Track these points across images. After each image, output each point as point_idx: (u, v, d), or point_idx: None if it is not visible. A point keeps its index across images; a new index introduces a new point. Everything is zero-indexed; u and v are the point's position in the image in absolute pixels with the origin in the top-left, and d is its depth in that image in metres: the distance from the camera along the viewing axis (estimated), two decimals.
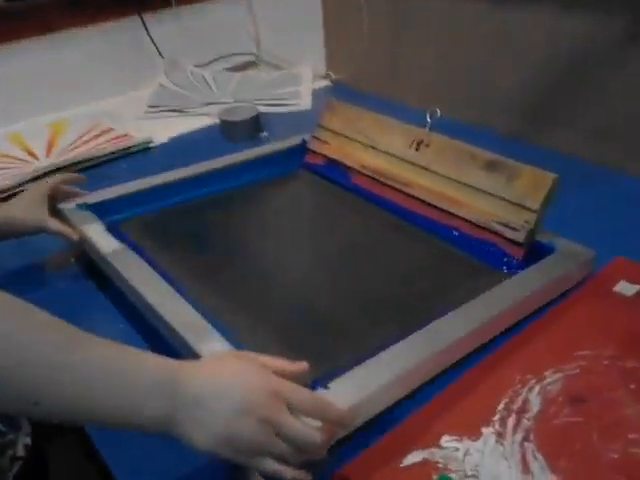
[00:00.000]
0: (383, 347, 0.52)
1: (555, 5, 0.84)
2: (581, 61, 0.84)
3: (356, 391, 0.48)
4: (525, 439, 0.49)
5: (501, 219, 0.66)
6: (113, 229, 0.72)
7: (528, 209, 0.64)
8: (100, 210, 0.76)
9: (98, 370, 0.37)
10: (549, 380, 0.54)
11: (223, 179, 0.86)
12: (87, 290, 0.71)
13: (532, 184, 0.65)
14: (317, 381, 0.51)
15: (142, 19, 1.27)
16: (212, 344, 0.52)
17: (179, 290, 0.60)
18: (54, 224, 0.70)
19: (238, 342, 0.53)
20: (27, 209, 0.69)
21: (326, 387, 0.48)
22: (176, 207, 0.82)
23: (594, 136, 0.86)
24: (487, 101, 0.99)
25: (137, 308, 0.62)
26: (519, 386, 0.53)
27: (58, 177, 0.77)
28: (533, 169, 0.66)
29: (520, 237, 0.65)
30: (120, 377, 0.38)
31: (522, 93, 0.94)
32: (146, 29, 1.29)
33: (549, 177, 0.64)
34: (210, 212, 0.82)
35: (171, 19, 1.33)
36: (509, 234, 0.66)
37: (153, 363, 0.39)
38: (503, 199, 0.67)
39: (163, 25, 1.33)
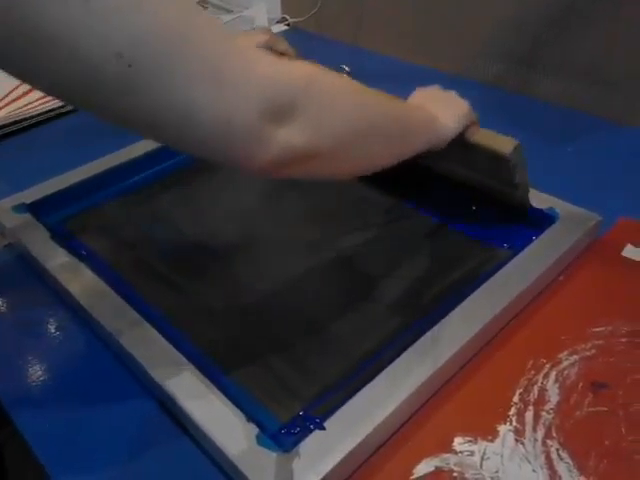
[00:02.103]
0: (380, 357, 0.47)
1: None
2: (564, 3, 0.76)
3: (357, 429, 0.41)
4: (547, 436, 0.43)
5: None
6: (58, 231, 0.62)
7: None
8: (40, 209, 0.65)
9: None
10: (565, 364, 0.48)
11: (174, 154, 0.75)
12: (22, 279, 0.61)
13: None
14: (309, 407, 0.44)
15: None
16: (180, 378, 0.45)
17: (142, 308, 0.52)
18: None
19: (212, 366, 0.48)
20: None
21: (322, 426, 0.41)
22: (126, 194, 0.71)
23: (589, 83, 0.79)
24: (467, 47, 0.91)
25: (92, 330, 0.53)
26: (533, 372, 0.48)
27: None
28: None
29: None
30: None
31: (506, 36, 0.85)
32: None
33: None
34: (163, 197, 0.71)
35: None
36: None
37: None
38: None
39: None
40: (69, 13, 0.28)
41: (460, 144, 0.55)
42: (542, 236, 0.56)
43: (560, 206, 0.59)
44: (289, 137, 0.36)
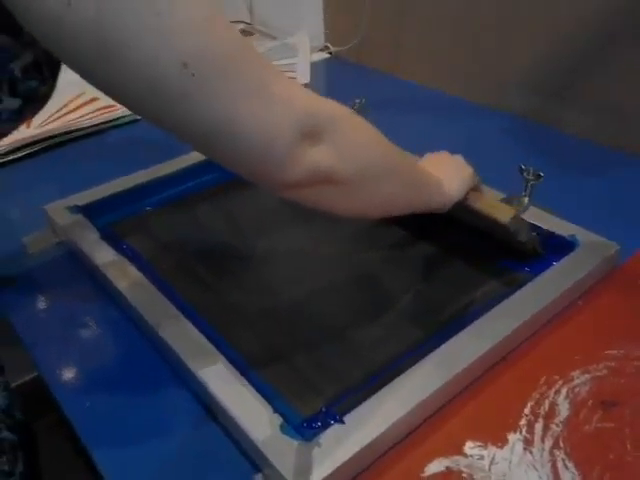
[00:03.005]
0: (399, 364, 0.49)
1: None
2: (610, 36, 0.79)
3: (374, 425, 0.44)
4: (555, 447, 0.45)
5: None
6: (106, 232, 0.67)
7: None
8: (91, 211, 0.70)
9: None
10: (577, 382, 0.50)
11: (214, 169, 0.80)
12: (72, 274, 0.65)
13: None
14: (331, 405, 0.47)
15: None
16: (213, 369, 0.49)
17: (181, 305, 0.56)
18: None
19: (242, 361, 0.51)
20: None
21: (342, 421, 0.44)
22: (168, 203, 0.77)
23: (616, 119, 0.81)
24: (501, 78, 0.94)
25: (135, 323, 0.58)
26: (545, 388, 0.50)
27: None
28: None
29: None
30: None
31: (537, 71, 0.89)
32: None
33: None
34: (201, 207, 0.76)
35: None
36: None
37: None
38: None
39: None
40: (140, 24, 0.32)
41: (463, 209, 0.59)
42: (562, 261, 0.59)
43: (581, 234, 0.62)
44: (317, 157, 0.40)
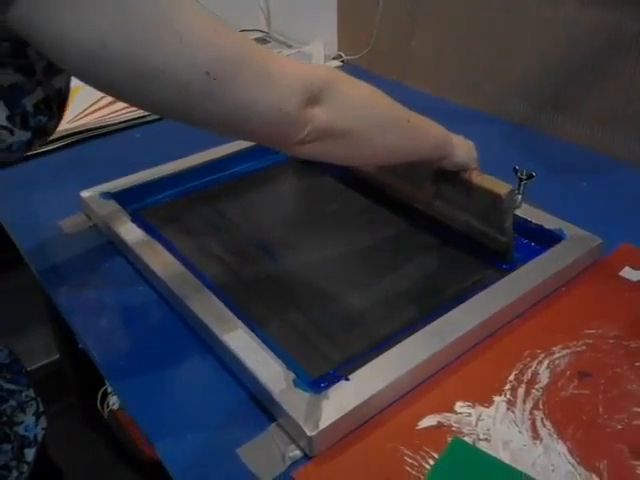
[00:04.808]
0: (399, 337, 0.55)
1: None
2: (599, 51, 0.85)
3: (375, 382, 0.50)
4: (535, 408, 0.51)
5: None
6: (136, 218, 0.74)
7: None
8: (123, 198, 0.77)
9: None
10: (557, 355, 0.56)
11: (234, 164, 0.88)
12: (104, 253, 0.72)
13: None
14: (337, 369, 0.54)
15: None
16: (235, 333, 0.55)
17: (205, 281, 0.62)
18: None
19: (260, 331, 0.57)
20: None
21: (347, 378, 0.50)
22: (191, 194, 0.84)
23: (606, 127, 0.88)
24: (501, 88, 1.01)
25: (163, 297, 0.64)
26: (529, 359, 0.56)
27: None
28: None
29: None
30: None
31: (536, 81, 0.95)
32: None
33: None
34: (224, 198, 0.83)
35: None
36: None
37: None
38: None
39: None
40: (167, 50, 0.38)
41: (462, 184, 0.65)
42: (549, 251, 0.65)
43: (568, 228, 0.68)
44: (318, 115, 0.47)
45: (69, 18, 0.35)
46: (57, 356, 1.25)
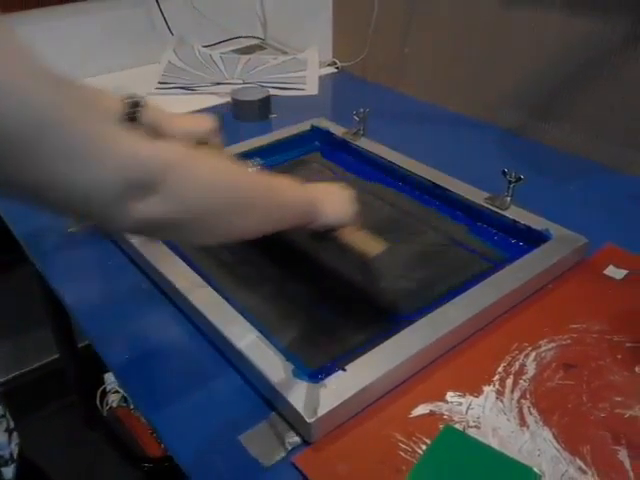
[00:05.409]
0: (392, 331, 0.57)
1: (562, 5, 0.89)
2: (584, 60, 0.89)
3: (370, 373, 0.53)
4: (522, 397, 0.54)
5: None
6: None
7: None
8: None
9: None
10: (544, 348, 0.59)
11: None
12: (106, 250, 0.74)
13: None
14: (335, 361, 0.56)
15: None
16: (236, 327, 0.57)
17: (203, 275, 0.64)
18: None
19: (262, 326, 0.59)
20: (187, 136, 0.66)
21: (343, 369, 0.53)
22: None
23: (593, 134, 0.91)
24: (490, 96, 1.04)
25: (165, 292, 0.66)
26: (516, 352, 0.59)
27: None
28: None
29: None
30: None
31: (526, 90, 0.99)
32: (158, 5, 1.31)
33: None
34: None
35: None
36: None
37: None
38: None
39: (173, 2, 1.35)
40: None
41: (338, 241, 0.63)
42: (536, 250, 0.68)
43: (555, 229, 0.71)
44: (148, 209, 0.39)
45: None
46: (57, 355, 1.26)
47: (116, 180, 0.37)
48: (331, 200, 0.60)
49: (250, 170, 0.54)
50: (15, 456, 0.63)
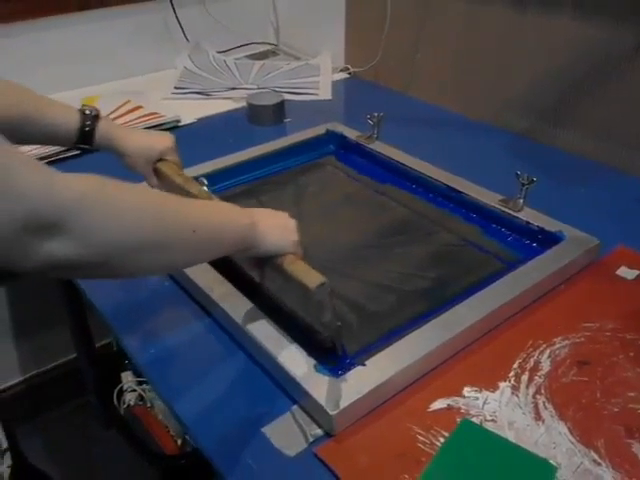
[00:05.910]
0: (409, 329, 0.59)
1: (573, 11, 0.90)
2: (594, 65, 0.90)
3: (389, 368, 0.54)
4: (537, 392, 0.56)
5: None
6: None
7: None
8: None
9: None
10: (558, 346, 0.61)
11: (253, 169, 0.93)
12: None
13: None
14: (355, 357, 0.58)
15: (171, 1, 1.32)
16: (260, 326, 0.59)
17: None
18: (154, 182, 0.71)
19: (284, 323, 0.60)
20: (141, 153, 0.68)
21: (363, 364, 0.55)
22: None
23: (602, 137, 0.93)
24: (501, 100, 1.06)
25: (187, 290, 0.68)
26: (531, 349, 0.60)
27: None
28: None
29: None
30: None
31: (536, 94, 1.00)
32: (174, 11, 1.34)
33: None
34: (245, 200, 0.87)
35: (196, 3, 1.38)
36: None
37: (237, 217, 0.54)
38: None
39: (189, 9, 1.38)
40: None
41: (279, 270, 0.57)
42: (549, 251, 0.69)
43: (568, 230, 0.72)
44: (54, 249, 0.37)
45: None
46: (74, 355, 1.29)
47: (19, 216, 0.35)
48: (272, 226, 0.56)
49: (181, 197, 0.50)
50: (6, 478, 0.61)
